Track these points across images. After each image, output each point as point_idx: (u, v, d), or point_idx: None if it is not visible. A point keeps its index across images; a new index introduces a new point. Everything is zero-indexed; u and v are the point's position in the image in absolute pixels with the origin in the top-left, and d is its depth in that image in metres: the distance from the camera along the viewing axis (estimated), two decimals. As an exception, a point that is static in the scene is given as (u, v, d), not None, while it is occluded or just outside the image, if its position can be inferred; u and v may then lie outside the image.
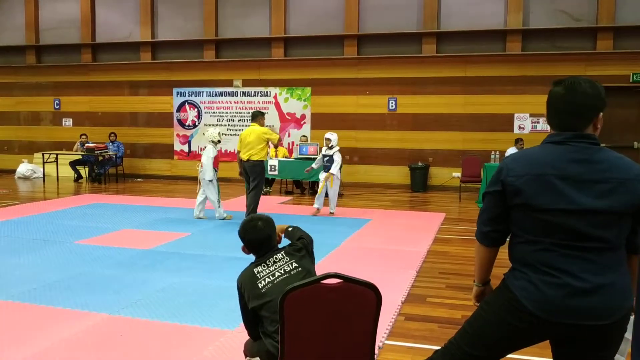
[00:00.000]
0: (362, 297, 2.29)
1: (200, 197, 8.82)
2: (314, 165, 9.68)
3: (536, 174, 2.04)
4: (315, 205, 9.34)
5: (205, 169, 8.63)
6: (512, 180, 2.08)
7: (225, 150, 14.07)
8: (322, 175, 9.37)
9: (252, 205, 8.38)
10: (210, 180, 8.62)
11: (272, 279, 2.57)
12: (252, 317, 2.61)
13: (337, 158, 9.29)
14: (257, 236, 2.69)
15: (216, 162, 8.82)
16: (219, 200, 8.73)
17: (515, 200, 2.08)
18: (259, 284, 2.56)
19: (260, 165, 8.43)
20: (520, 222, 2.11)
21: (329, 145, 9.35)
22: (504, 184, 2.11)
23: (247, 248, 2.75)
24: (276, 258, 2.64)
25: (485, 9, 12.48)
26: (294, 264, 2.62)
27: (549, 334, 2.12)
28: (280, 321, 2.25)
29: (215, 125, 14.33)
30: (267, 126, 13.74)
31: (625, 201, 1.98)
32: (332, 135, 9.44)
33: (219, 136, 8.93)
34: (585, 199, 1.98)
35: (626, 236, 2.05)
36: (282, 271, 2.59)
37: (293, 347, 2.28)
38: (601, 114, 2.08)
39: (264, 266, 2.63)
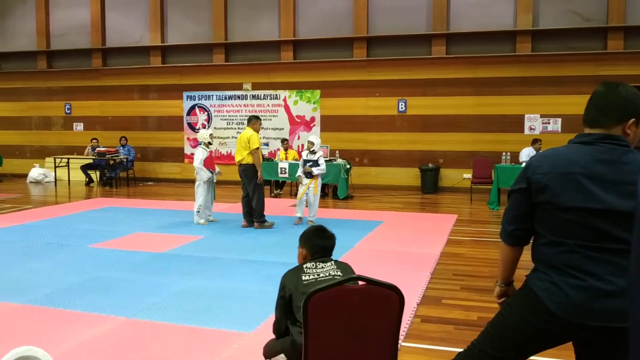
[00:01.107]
0: (385, 299, 2.30)
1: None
2: (300, 173, 8.78)
3: (562, 172, 2.03)
4: (298, 214, 8.71)
5: (197, 172, 8.61)
6: (538, 177, 2.07)
7: (235, 154, 14.13)
8: (306, 180, 8.62)
9: (259, 209, 8.35)
10: (200, 183, 8.57)
11: (316, 277, 2.67)
12: (286, 306, 2.68)
13: (323, 164, 8.67)
14: (324, 243, 2.85)
15: (210, 163, 8.72)
16: (202, 205, 8.59)
17: (540, 197, 2.08)
18: (303, 277, 2.68)
19: (252, 168, 8.29)
20: (545, 221, 2.10)
21: (311, 150, 8.64)
22: (529, 182, 2.10)
23: (308, 249, 2.86)
24: (325, 265, 2.77)
25: (494, 10, 12.46)
26: (339, 272, 2.71)
27: (572, 336, 2.12)
28: (304, 323, 2.27)
29: (225, 128, 14.39)
30: (277, 132, 13.84)
31: None
32: (317, 140, 8.73)
33: (210, 138, 8.83)
34: (612, 199, 1.97)
35: None
36: (327, 274, 2.69)
37: (317, 349, 2.29)
38: (632, 120, 2.05)
39: (313, 265, 2.75)
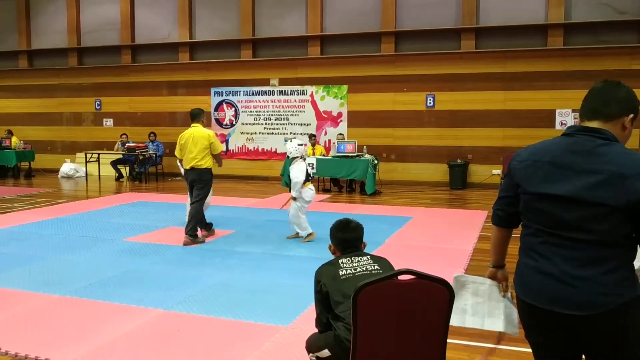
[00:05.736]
0: (435, 293, 2.30)
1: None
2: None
3: (534, 160, 2.11)
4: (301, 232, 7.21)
5: None
6: (515, 164, 2.20)
7: (263, 149, 14.21)
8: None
9: (195, 219, 7.02)
10: None
11: (353, 272, 2.67)
12: (324, 301, 2.70)
13: (294, 172, 7.11)
14: (349, 235, 2.87)
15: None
16: None
17: (515, 182, 2.19)
18: (340, 272, 2.68)
19: (209, 172, 7.16)
20: (522, 206, 2.18)
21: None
22: (509, 168, 2.24)
23: (336, 245, 2.91)
24: (361, 259, 2.77)
25: (525, 3, 12.26)
26: (376, 266, 2.72)
27: (545, 326, 2.07)
28: (353, 317, 2.26)
29: (252, 124, 14.43)
30: (304, 128, 13.85)
31: (617, 197, 1.89)
32: (291, 144, 7.13)
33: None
34: (571, 187, 1.97)
35: (628, 235, 1.94)
36: (364, 269, 2.69)
37: (365, 343, 2.29)
38: (631, 115, 2.05)
39: (349, 260, 2.75)
